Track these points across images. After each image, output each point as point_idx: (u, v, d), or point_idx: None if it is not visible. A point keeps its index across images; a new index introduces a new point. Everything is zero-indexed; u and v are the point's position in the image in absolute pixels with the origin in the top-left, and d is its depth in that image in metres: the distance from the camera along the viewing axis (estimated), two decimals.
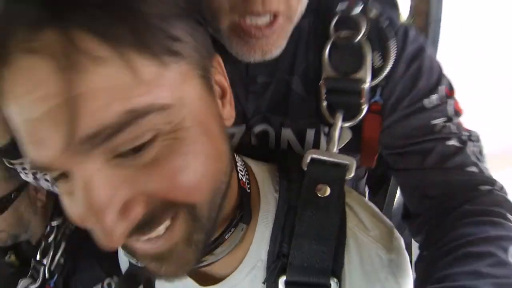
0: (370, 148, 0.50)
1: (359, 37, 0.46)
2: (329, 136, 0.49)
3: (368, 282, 0.37)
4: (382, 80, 0.47)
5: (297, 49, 0.51)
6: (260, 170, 0.43)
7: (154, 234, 0.29)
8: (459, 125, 0.47)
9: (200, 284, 0.41)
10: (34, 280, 0.90)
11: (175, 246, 0.31)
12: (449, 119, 0.46)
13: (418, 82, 0.46)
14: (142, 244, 0.30)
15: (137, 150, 0.25)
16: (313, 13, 0.49)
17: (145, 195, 0.26)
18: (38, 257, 0.92)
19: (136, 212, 0.26)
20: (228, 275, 0.40)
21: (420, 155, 0.47)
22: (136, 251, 0.32)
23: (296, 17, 0.45)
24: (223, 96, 0.35)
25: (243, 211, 0.38)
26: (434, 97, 0.46)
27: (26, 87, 0.23)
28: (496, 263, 0.35)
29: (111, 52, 0.23)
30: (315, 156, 0.41)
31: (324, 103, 0.48)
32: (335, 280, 0.37)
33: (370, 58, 0.46)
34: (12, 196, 0.99)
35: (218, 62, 0.34)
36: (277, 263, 0.39)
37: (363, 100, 0.46)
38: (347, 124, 0.48)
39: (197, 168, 0.28)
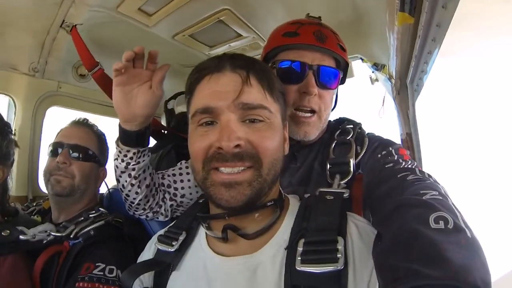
0: (357, 201, 0.82)
1: (349, 137, 0.92)
2: (332, 186, 0.84)
3: (367, 247, 0.57)
4: (361, 159, 0.88)
5: (319, 149, 0.96)
6: (291, 196, 0.75)
7: (235, 170, 0.59)
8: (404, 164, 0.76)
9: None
10: (58, 231, 1.01)
11: (242, 182, 0.60)
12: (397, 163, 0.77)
13: (377, 153, 0.86)
14: (226, 175, 0.60)
15: (253, 121, 0.62)
16: (328, 131, 0.99)
17: (248, 140, 0.60)
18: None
19: (241, 142, 0.59)
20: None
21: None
22: (216, 181, 0.61)
23: (323, 120, 0.93)
24: (285, 140, 0.71)
25: (279, 203, 0.67)
26: (384, 153, 0.85)
27: (231, 80, 0.64)
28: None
29: (258, 85, 0.65)
30: (321, 189, 0.71)
31: (328, 173, 0.88)
32: (341, 237, 0.56)
33: (354, 147, 0.89)
34: (100, 159, 1.24)
35: (286, 127, 0.73)
36: (298, 232, 0.61)
37: (350, 168, 0.85)
38: (342, 182, 0.83)
39: (273, 141, 0.63)
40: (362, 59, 1.63)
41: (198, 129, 0.64)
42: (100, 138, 1.25)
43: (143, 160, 0.97)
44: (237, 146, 0.59)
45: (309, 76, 0.88)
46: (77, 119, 1.26)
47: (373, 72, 1.65)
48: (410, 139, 1.49)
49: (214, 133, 0.61)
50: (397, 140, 1.57)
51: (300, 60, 0.89)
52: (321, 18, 1.03)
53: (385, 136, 0.96)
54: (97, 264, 0.94)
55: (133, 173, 0.97)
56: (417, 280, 0.40)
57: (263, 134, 0.62)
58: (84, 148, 1.17)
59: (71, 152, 1.14)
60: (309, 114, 0.90)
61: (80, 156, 1.15)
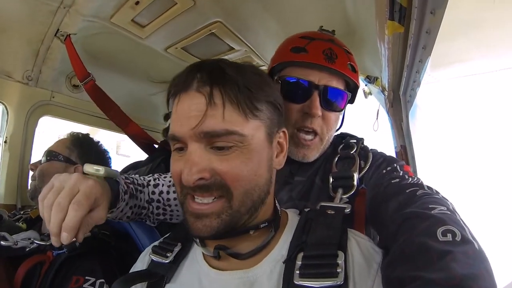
0: (360, 217, 0.81)
1: (353, 151, 0.89)
2: (333, 201, 0.80)
3: (367, 263, 0.55)
4: (365, 174, 0.85)
5: (321, 164, 0.93)
6: (290, 211, 0.72)
7: (205, 200, 0.55)
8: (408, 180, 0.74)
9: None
10: (42, 240, 0.98)
11: (210, 214, 0.55)
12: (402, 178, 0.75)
13: (382, 169, 0.83)
14: (196, 205, 0.56)
15: (221, 148, 0.55)
16: (331, 146, 0.94)
17: (214, 171, 0.54)
18: None
19: (205, 174, 0.54)
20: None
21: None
22: (188, 209, 0.57)
23: (325, 141, 0.90)
24: (281, 151, 0.65)
25: (274, 223, 0.63)
26: (389, 169, 0.82)
27: (193, 103, 0.55)
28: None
29: (227, 103, 0.55)
30: (322, 204, 0.68)
31: (331, 186, 0.84)
32: (342, 252, 0.54)
33: (358, 162, 0.86)
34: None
35: (284, 133, 0.65)
36: (297, 245, 0.58)
37: (354, 182, 0.81)
38: (344, 196, 0.80)
39: (246, 167, 0.56)
40: None
41: (174, 154, 0.61)
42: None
43: (125, 203, 0.83)
44: (201, 179, 0.54)
45: (314, 96, 0.84)
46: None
47: (366, 85, 1.66)
48: (405, 151, 1.48)
49: (183, 161, 0.56)
50: (391, 153, 1.56)
51: (306, 79, 0.85)
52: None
53: (380, 149, 0.95)
54: (86, 278, 0.92)
55: (123, 219, 0.88)
56: (421, 286, 0.41)
57: (231, 163, 0.55)
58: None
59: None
60: (310, 137, 0.87)
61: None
